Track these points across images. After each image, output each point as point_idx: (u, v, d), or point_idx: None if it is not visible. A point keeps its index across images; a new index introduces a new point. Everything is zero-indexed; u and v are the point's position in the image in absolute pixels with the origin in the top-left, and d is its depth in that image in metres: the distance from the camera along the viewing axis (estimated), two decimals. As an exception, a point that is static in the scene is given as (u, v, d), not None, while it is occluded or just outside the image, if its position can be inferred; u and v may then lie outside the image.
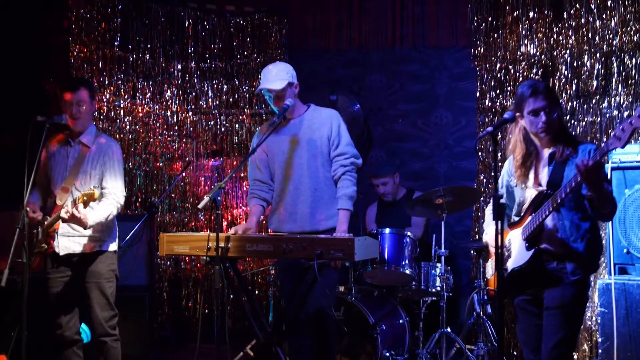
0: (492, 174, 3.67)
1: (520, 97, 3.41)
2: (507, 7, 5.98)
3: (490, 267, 3.77)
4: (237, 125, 7.23)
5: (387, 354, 5.08)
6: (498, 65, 6.08)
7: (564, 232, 3.31)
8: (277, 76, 4.14)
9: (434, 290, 5.27)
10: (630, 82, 5.20)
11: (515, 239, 3.48)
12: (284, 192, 4.22)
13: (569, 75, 5.54)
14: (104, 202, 4.24)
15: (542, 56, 5.78)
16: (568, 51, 5.55)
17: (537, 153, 3.47)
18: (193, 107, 7.19)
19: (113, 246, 4.38)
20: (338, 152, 4.20)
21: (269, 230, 4.34)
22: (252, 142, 4.31)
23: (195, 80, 7.18)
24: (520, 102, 3.41)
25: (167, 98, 7.09)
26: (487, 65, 6.16)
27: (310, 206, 4.16)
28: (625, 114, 5.19)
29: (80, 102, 4.26)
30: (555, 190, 3.26)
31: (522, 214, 3.48)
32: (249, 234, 4.01)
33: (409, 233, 5.24)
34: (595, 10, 5.37)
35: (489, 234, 3.67)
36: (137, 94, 7.00)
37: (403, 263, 5.16)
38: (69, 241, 4.22)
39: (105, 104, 6.78)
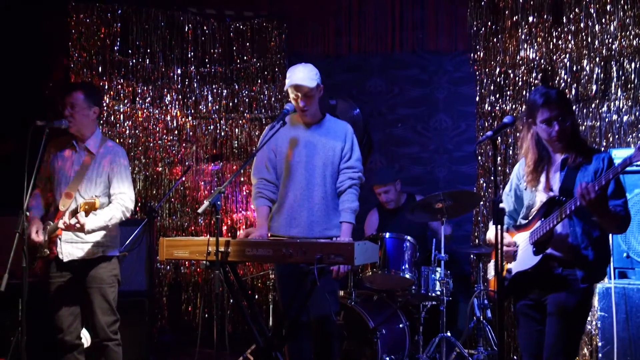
0: (492, 178, 3.67)
1: (532, 105, 3.39)
2: (507, 12, 5.99)
3: (492, 268, 3.76)
4: (236, 130, 7.22)
5: (387, 359, 5.08)
6: (497, 69, 6.09)
7: (575, 239, 3.30)
8: (308, 75, 4.12)
9: (434, 294, 5.26)
10: (629, 86, 5.21)
11: (521, 242, 3.48)
12: (288, 196, 4.21)
13: (569, 79, 5.55)
14: (107, 207, 4.23)
15: (542, 60, 5.79)
16: (567, 55, 5.56)
17: (549, 158, 3.46)
18: (193, 111, 7.19)
19: (115, 251, 4.38)
20: (348, 164, 4.21)
21: (268, 234, 4.33)
22: (260, 140, 4.28)
23: (195, 85, 7.18)
24: (532, 110, 3.39)
25: (167, 102, 7.09)
26: (487, 70, 6.17)
27: (315, 214, 4.15)
28: (625, 118, 5.20)
29: (72, 104, 4.24)
30: (568, 196, 3.25)
31: (530, 217, 3.47)
32: (251, 238, 4.01)
33: (409, 237, 5.24)
34: (594, 15, 5.38)
35: (494, 233, 3.65)
36: (137, 99, 7.00)
37: (403, 267, 5.16)
38: (72, 247, 4.22)
39: (105, 108, 6.78)
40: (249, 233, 4.13)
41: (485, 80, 6.19)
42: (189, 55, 7.15)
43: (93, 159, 4.28)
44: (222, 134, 7.23)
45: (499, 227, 3.15)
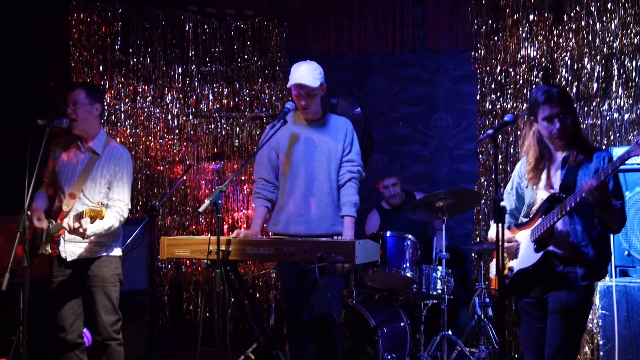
0: (493, 176, 3.67)
1: (534, 102, 3.40)
2: (507, 10, 5.98)
3: (493, 266, 3.76)
4: (237, 129, 7.23)
5: (389, 357, 5.08)
6: (498, 68, 6.08)
7: (576, 237, 3.30)
8: (312, 74, 4.09)
9: (435, 293, 5.26)
10: (630, 84, 5.20)
11: (523, 240, 3.48)
12: (292, 194, 4.18)
13: (569, 77, 5.54)
14: (107, 214, 4.22)
15: (543, 59, 5.78)
16: (568, 54, 5.56)
17: (551, 156, 3.47)
18: (193, 110, 7.19)
19: (118, 251, 4.37)
20: (348, 158, 4.20)
21: (270, 233, 4.32)
22: (261, 139, 4.26)
23: (196, 84, 7.18)
24: (533, 108, 3.40)
25: (168, 101, 7.09)
26: (488, 68, 6.17)
27: (322, 209, 4.14)
28: (626, 116, 5.19)
29: (74, 102, 4.22)
30: (568, 194, 3.26)
31: (531, 215, 3.47)
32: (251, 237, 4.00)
33: (410, 236, 5.24)
34: (595, 13, 5.37)
35: (495, 232, 3.65)
36: (138, 98, 7.00)
37: (404, 266, 5.16)
38: (75, 247, 4.21)
39: (106, 107, 6.79)
40: (239, 235, 4.08)
41: (486, 79, 6.18)
42: (190, 54, 7.15)
43: (97, 160, 4.27)
44: (223, 132, 7.23)
45: (500, 225, 3.15)
